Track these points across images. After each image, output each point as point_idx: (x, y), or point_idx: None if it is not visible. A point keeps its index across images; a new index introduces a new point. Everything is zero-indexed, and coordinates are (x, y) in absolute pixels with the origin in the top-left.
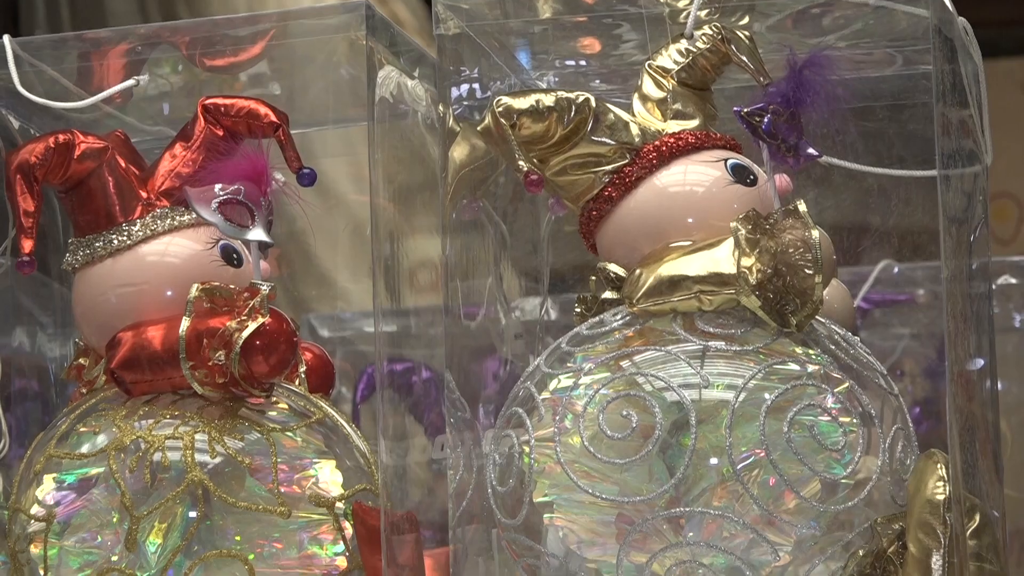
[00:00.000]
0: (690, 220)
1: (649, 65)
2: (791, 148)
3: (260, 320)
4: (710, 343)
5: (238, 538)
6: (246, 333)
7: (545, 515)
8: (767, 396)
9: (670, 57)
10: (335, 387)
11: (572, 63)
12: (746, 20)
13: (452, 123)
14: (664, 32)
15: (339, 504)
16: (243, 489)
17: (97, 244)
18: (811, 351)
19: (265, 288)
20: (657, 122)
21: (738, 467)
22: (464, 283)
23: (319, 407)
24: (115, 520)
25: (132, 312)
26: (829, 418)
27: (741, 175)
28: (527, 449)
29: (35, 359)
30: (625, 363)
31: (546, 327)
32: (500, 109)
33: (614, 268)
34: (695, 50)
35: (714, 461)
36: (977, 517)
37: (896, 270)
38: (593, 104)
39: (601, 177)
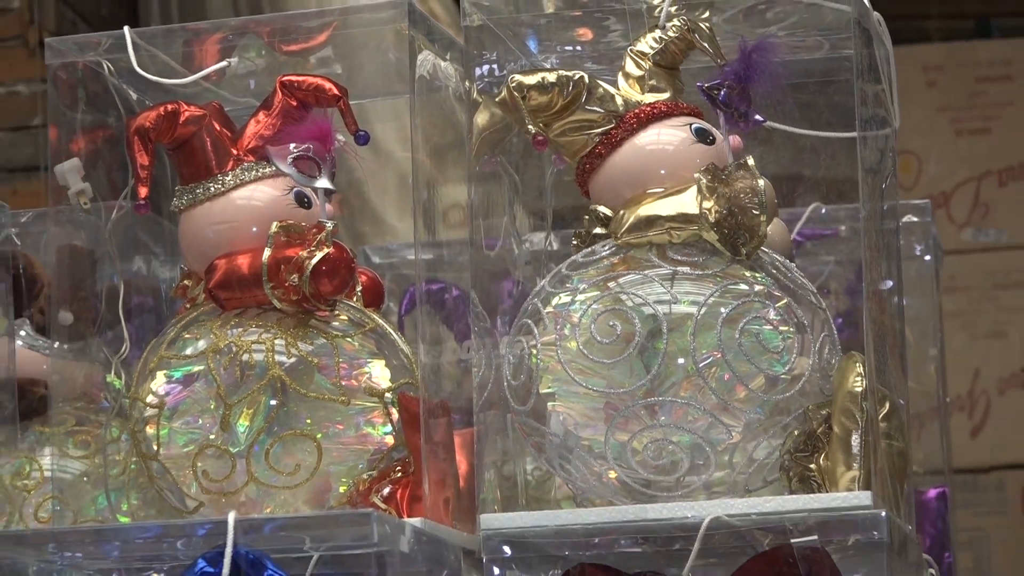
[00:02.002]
0: (662, 172)
1: (630, 50)
2: (742, 115)
3: (326, 250)
4: (678, 268)
5: (309, 421)
6: (314, 260)
7: (548, 403)
8: (723, 310)
9: (647, 43)
10: (384, 303)
11: (570, 48)
12: (707, 14)
13: (476, 96)
14: (642, 24)
15: (387, 394)
16: (312, 383)
17: (198, 191)
18: (757, 274)
19: (330, 225)
20: (636, 95)
21: (700, 365)
22: (485, 221)
23: (372, 318)
24: (212, 407)
25: (225, 244)
26: (771, 327)
27: (703, 136)
28: (534, 351)
29: (150, 281)
30: (612, 284)
31: (549, 255)
32: (514, 84)
33: (603, 209)
34: (667, 38)
35: (681, 361)
36: (887, 405)
37: (824, 211)
38: (586, 80)
39: (593, 138)
